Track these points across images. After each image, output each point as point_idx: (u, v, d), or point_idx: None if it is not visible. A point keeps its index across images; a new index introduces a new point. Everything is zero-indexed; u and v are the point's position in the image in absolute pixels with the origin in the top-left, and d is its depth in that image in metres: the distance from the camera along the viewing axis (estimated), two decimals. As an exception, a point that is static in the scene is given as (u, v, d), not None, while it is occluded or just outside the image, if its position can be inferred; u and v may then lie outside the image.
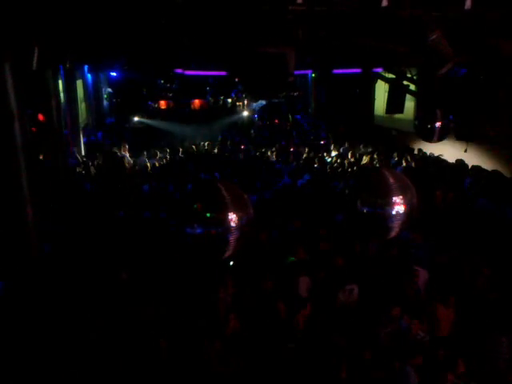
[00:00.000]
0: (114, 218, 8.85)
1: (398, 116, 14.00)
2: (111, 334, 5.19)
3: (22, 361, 4.78)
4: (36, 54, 7.07)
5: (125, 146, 14.60)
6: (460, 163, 11.65)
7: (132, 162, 13.79)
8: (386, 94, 11.86)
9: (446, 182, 10.01)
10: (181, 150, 15.41)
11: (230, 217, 3.35)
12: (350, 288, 6.07)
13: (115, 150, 14.64)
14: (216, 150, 16.19)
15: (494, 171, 10.65)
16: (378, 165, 12.35)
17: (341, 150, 15.38)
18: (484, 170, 11.01)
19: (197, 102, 23.51)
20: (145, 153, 14.31)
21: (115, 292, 5.96)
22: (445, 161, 12.41)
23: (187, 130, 19.21)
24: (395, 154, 13.44)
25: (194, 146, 16.43)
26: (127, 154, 14.70)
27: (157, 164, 13.42)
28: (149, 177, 12.16)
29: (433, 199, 8.98)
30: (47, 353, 4.92)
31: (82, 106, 16.51)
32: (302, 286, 6.24)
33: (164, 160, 14.22)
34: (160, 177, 12.11)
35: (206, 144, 16.63)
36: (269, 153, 15.28)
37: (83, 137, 14.98)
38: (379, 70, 13.34)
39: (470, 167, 11.52)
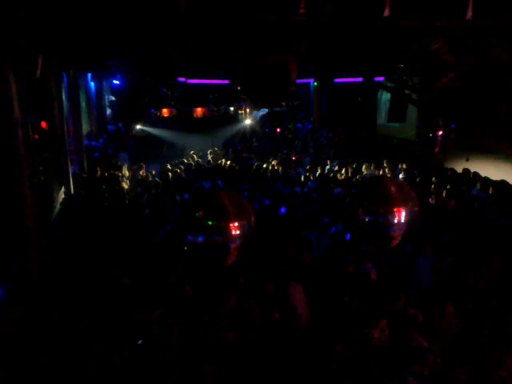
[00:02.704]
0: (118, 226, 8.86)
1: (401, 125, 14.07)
2: (112, 338, 5.17)
3: (22, 366, 4.77)
4: (40, 62, 7.12)
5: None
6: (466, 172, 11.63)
7: (133, 169, 13.82)
8: (388, 103, 11.94)
9: (448, 190, 9.98)
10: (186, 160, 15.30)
11: (231, 225, 3.36)
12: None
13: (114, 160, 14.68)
14: (222, 161, 16.00)
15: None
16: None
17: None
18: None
19: (199, 110, 23.62)
20: (142, 165, 14.18)
21: (117, 297, 5.95)
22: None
23: (189, 139, 19.17)
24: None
25: (195, 156, 16.22)
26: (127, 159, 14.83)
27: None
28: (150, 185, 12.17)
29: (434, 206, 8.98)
30: (47, 358, 4.90)
31: (84, 114, 16.59)
32: (294, 295, 6.15)
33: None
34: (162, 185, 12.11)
35: (208, 155, 16.49)
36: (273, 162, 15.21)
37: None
38: (381, 79, 13.41)
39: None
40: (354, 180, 12.11)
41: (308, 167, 14.22)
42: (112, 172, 12.76)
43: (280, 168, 14.30)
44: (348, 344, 5.19)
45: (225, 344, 5.23)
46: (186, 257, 4.67)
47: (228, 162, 14.89)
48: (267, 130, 22.84)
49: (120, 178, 12.43)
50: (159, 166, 14.37)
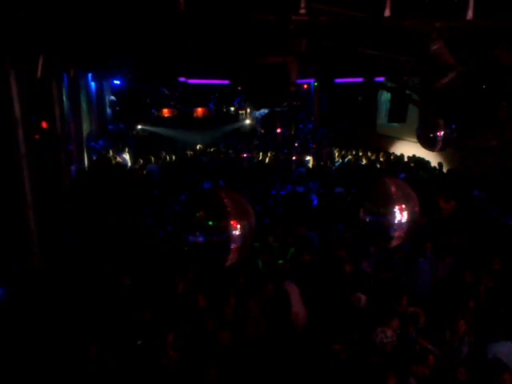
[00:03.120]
0: (117, 223, 8.85)
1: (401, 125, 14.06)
2: (114, 340, 5.17)
3: (22, 368, 4.77)
4: (41, 62, 7.11)
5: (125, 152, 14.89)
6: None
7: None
8: (388, 103, 11.93)
9: (448, 191, 9.97)
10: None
11: (231, 225, 3.35)
12: (358, 297, 6.02)
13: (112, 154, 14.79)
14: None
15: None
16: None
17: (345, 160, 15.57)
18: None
19: (199, 110, 23.59)
20: (140, 160, 14.35)
21: (117, 298, 5.94)
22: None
23: (190, 136, 19.50)
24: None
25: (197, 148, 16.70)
26: (128, 160, 14.87)
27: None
28: (152, 183, 12.19)
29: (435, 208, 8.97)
30: (47, 360, 4.90)
31: (85, 114, 16.57)
32: (289, 294, 6.13)
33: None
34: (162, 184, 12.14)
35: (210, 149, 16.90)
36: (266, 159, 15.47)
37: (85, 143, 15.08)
38: (381, 79, 13.41)
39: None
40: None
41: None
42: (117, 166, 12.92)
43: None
44: (348, 344, 5.18)
45: (224, 344, 5.23)
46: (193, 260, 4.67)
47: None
48: (267, 130, 22.82)
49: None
50: (159, 166, 14.42)
